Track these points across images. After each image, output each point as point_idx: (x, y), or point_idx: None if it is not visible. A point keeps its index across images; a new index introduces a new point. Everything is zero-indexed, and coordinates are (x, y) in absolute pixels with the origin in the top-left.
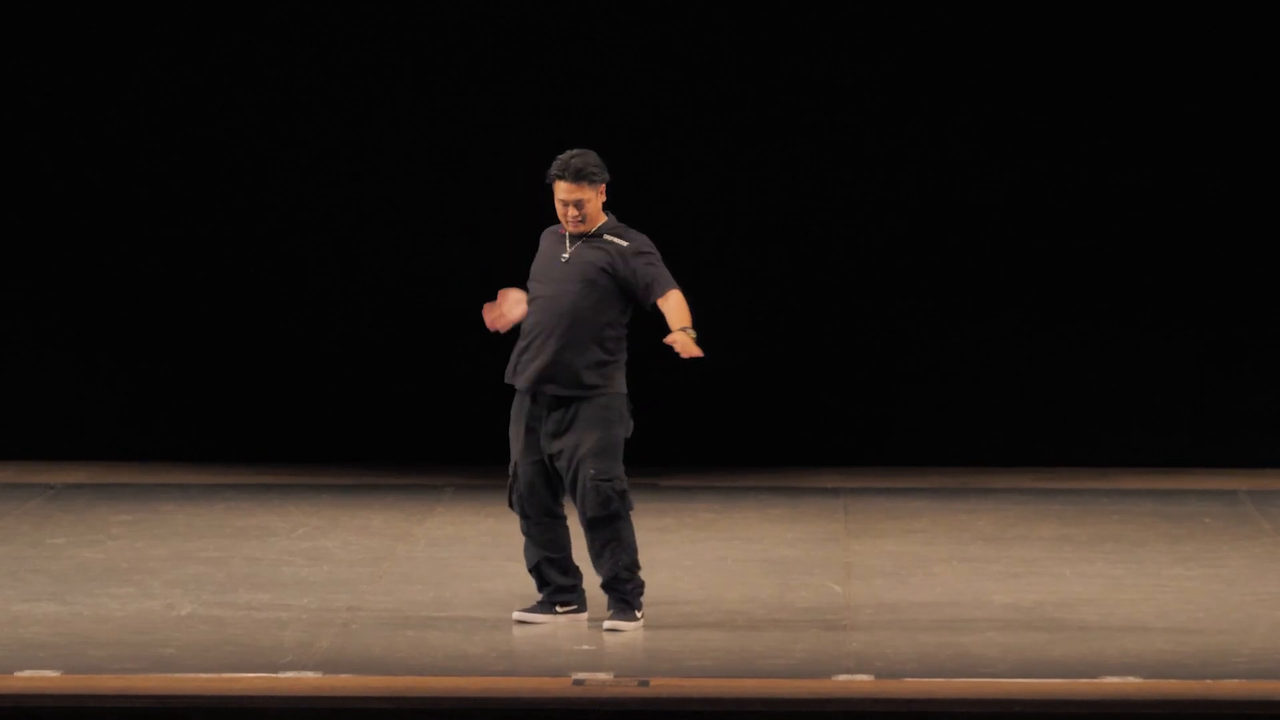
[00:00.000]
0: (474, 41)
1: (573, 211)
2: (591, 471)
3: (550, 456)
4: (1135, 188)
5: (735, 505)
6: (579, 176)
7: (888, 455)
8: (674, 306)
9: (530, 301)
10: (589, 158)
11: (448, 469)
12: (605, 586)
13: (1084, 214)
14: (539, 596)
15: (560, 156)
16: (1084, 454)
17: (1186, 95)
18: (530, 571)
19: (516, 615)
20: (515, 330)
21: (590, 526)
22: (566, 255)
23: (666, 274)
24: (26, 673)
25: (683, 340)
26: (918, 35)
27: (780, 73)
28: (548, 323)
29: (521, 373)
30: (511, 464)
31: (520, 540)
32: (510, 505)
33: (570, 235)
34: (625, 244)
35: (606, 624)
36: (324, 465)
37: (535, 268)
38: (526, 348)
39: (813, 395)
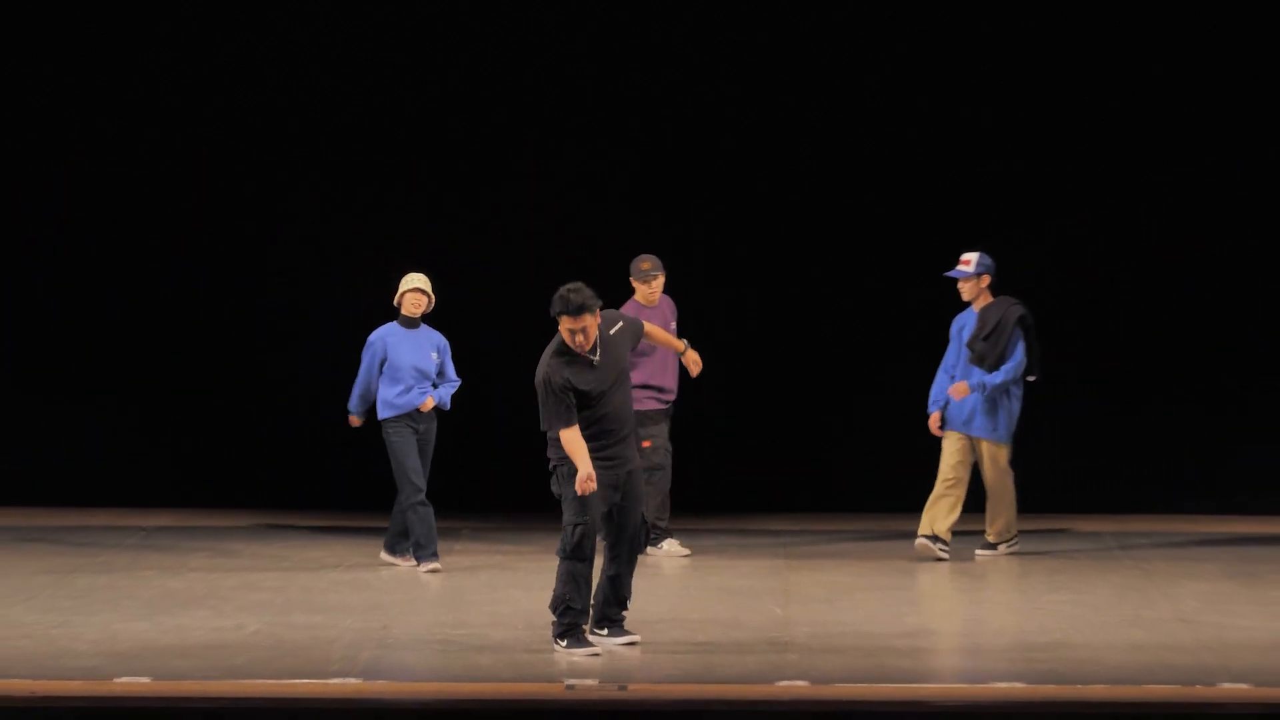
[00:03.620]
0: (483, 73)
1: (580, 338)
2: (645, 519)
3: (613, 507)
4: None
5: (697, 544)
6: (580, 310)
7: (821, 503)
8: (658, 334)
9: (593, 409)
10: (585, 293)
11: (465, 515)
12: (623, 607)
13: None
14: (585, 623)
15: (559, 294)
16: (978, 503)
17: (1158, 140)
18: (587, 606)
19: (625, 640)
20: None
21: (635, 558)
22: (597, 360)
23: (634, 320)
24: (123, 679)
25: (696, 358)
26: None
27: (718, 120)
28: (616, 419)
29: (604, 460)
30: (588, 521)
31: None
32: (580, 554)
33: (580, 353)
34: (620, 325)
35: (631, 639)
36: (365, 511)
37: (579, 387)
38: (600, 444)
39: (760, 455)
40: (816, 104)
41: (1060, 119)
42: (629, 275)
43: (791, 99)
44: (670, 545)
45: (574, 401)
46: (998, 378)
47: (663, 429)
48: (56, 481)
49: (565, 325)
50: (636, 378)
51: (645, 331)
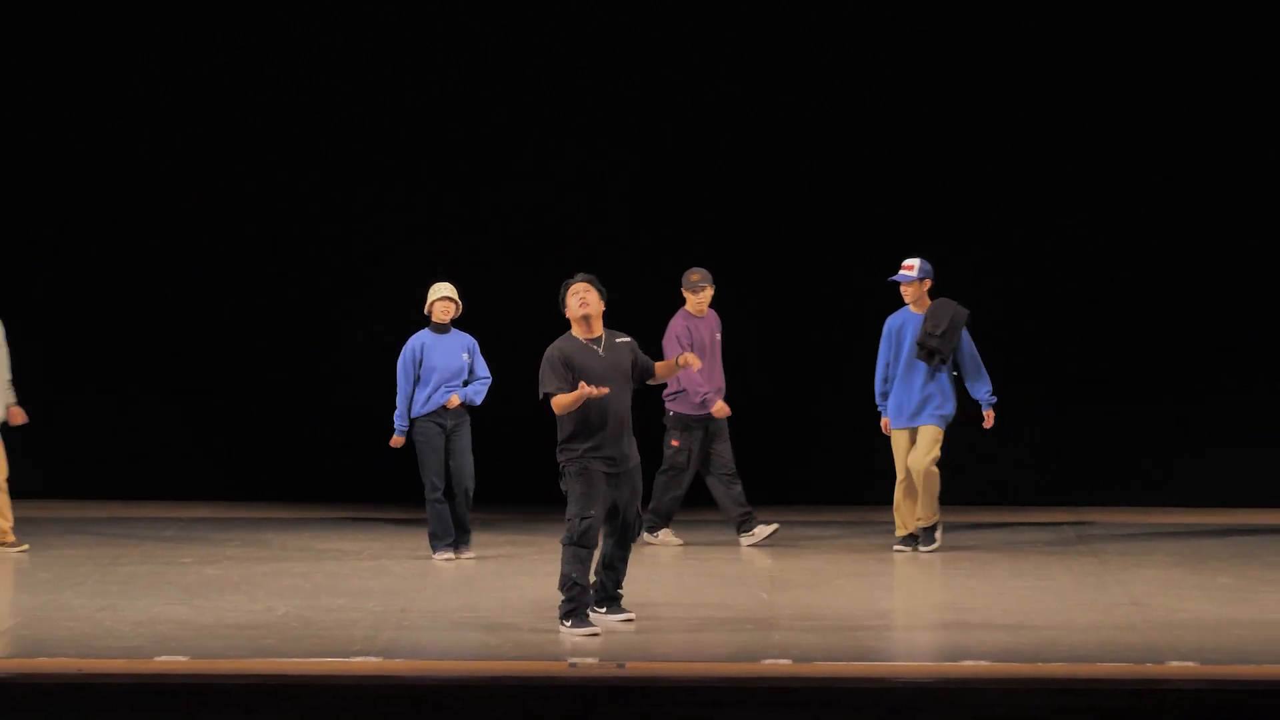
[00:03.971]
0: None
1: (582, 296)
2: (643, 515)
3: (615, 501)
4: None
5: (690, 535)
6: (588, 279)
7: (806, 497)
8: (662, 370)
9: (589, 403)
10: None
11: (477, 507)
12: (619, 587)
13: (971, 277)
14: (590, 603)
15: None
16: (948, 496)
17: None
18: (590, 585)
19: (603, 620)
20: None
21: (629, 545)
22: (601, 352)
23: (646, 358)
24: (163, 658)
25: (681, 359)
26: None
27: (718, 120)
28: (616, 418)
29: (607, 459)
30: (594, 515)
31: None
32: (585, 543)
33: (586, 340)
34: (628, 340)
35: (627, 616)
36: (384, 504)
37: (576, 363)
38: (602, 441)
39: (749, 454)
40: (816, 104)
41: (1060, 119)
42: (680, 285)
43: (791, 99)
44: (665, 535)
45: (565, 374)
46: (986, 385)
47: (694, 434)
48: (100, 477)
49: (573, 291)
50: (673, 385)
51: (655, 371)
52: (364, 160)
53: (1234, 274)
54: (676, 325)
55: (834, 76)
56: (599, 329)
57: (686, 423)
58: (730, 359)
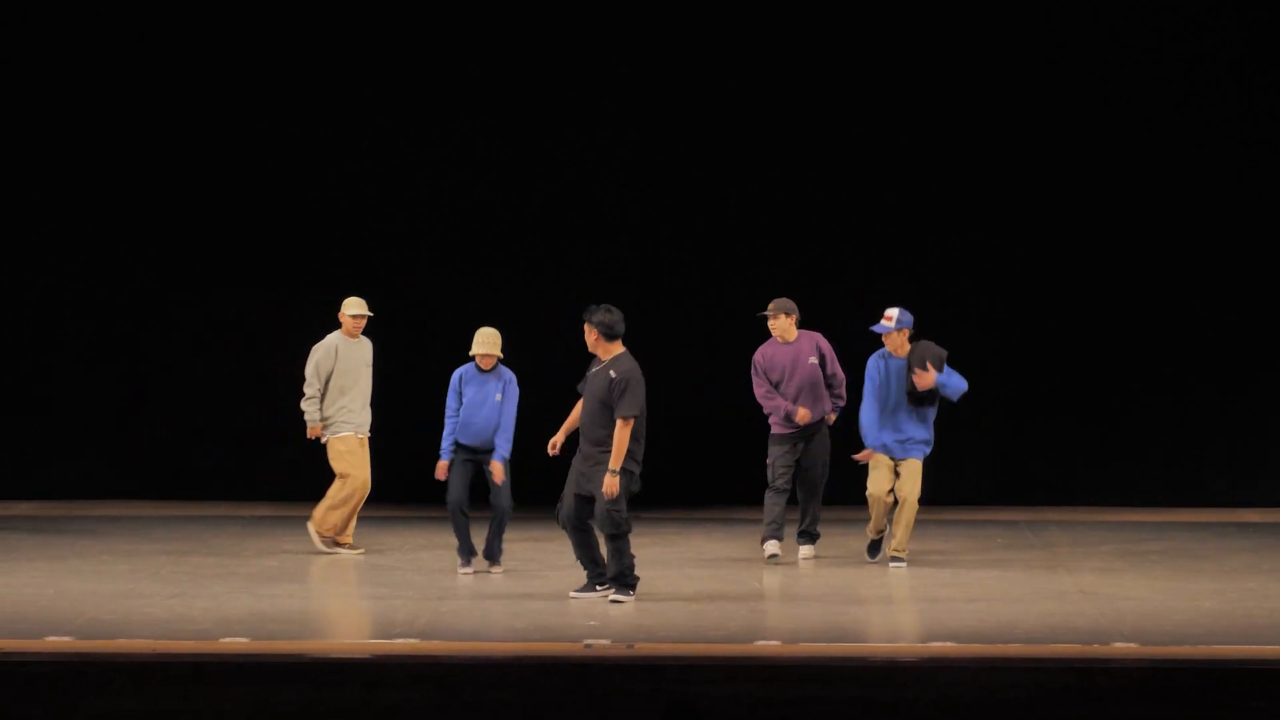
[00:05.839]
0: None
1: (587, 331)
2: (606, 506)
3: (587, 491)
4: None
5: (690, 530)
6: (589, 318)
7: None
8: (615, 435)
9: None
10: (595, 313)
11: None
12: (612, 578)
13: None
14: (593, 574)
15: (596, 306)
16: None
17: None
18: (587, 562)
19: (572, 594)
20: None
21: (605, 533)
22: (590, 373)
23: (628, 403)
24: (226, 639)
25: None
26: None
27: (717, 118)
28: (583, 427)
29: (578, 459)
30: (559, 505)
31: (559, 558)
32: (560, 524)
33: (596, 363)
34: (614, 376)
35: (612, 597)
36: (422, 505)
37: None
38: (579, 444)
39: (739, 459)
40: (816, 104)
41: (1060, 120)
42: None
43: (791, 98)
44: (804, 549)
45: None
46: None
47: (781, 450)
48: (171, 480)
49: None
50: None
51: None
52: (365, 158)
53: (1154, 296)
54: (756, 354)
55: (833, 77)
56: (603, 356)
57: (775, 440)
58: (728, 364)
